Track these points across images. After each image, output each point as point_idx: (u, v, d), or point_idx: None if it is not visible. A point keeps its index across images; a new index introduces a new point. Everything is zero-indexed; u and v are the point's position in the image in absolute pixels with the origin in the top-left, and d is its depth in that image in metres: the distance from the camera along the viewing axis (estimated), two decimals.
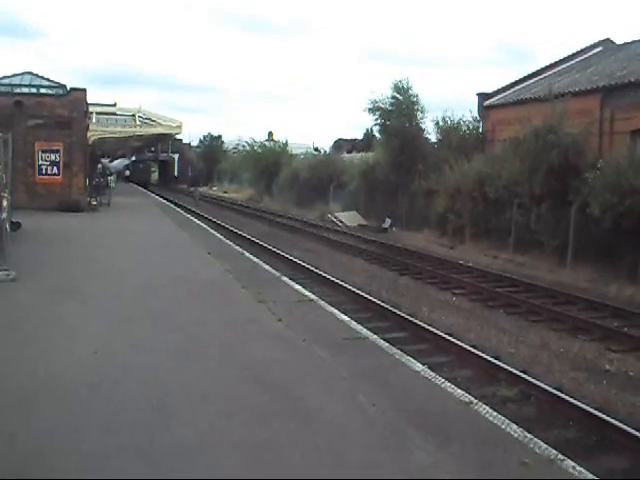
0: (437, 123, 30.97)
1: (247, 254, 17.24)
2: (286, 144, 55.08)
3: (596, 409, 7.94)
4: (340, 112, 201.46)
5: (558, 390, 8.64)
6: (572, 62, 29.37)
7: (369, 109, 32.08)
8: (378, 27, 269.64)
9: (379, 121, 32.61)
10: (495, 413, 6.11)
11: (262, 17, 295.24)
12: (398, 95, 31.53)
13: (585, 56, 29.45)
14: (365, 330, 9.24)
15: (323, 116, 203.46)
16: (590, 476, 4.94)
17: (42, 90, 32.91)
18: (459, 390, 6.76)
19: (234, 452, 5.02)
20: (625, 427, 7.34)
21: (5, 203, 13.05)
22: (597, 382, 9.50)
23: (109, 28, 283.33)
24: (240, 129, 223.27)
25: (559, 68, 29.34)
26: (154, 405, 5.91)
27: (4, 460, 4.76)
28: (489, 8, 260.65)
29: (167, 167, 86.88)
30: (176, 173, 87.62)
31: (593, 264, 17.70)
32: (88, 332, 8.36)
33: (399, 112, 31.33)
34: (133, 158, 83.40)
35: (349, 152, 53.21)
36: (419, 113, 31.69)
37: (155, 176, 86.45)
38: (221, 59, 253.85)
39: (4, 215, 12.92)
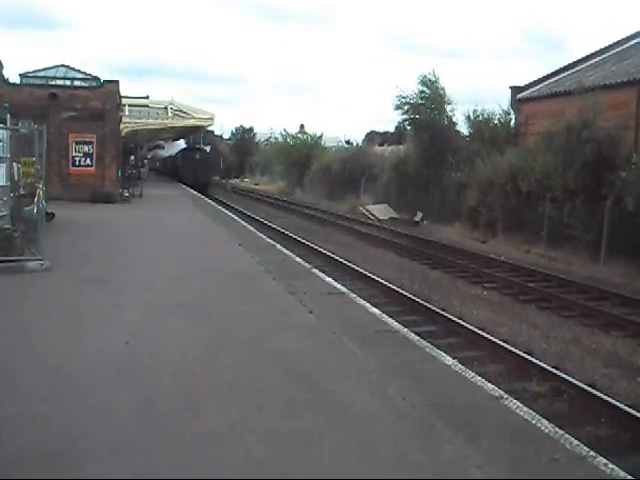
0: (468, 116, 30.75)
1: (278, 246, 17.27)
2: (321, 137, 54.93)
3: (629, 406, 7.85)
4: (372, 105, 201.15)
5: (590, 386, 8.55)
6: (608, 54, 28.86)
7: (396, 105, 31.94)
8: (406, 17, 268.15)
9: (408, 116, 32.41)
10: (526, 408, 6.05)
11: (287, 7, 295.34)
12: (425, 88, 31.31)
13: (621, 48, 28.88)
14: (396, 323, 9.21)
15: (355, 109, 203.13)
16: (622, 474, 4.87)
17: (76, 82, 33.36)
18: (489, 385, 6.71)
19: (264, 442, 5.05)
20: None
21: (40, 194, 13.23)
22: (630, 379, 9.37)
23: (136, 20, 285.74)
24: (271, 121, 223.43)
25: (593, 60, 28.89)
26: (185, 395, 5.96)
27: (41, 445, 4.84)
28: None
29: None
30: None
31: (627, 259, 17.43)
32: (120, 322, 8.45)
33: (427, 105, 31.12)
34: (182, 145, 60.35)
35: (381, 145, 53.09)
36: (448, 106, 31.50)
37: None
38: (249, 50, 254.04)
39: (39, 206, 13.10)
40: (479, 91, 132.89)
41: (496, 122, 29.89)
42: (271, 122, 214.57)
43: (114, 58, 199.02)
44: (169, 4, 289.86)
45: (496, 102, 32.38)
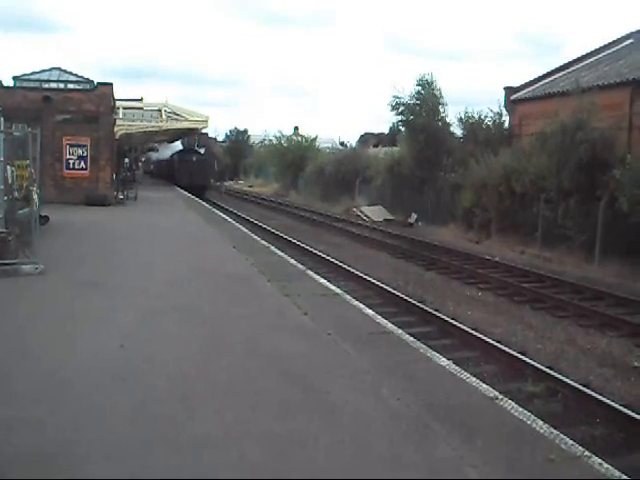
0: (460, 118, 30.70)
1: (272, 248, 17.27)
2: (315, 139, 54.88)
3: (624, 406, 7.86)
4: (367, 106, 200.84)
5: (585, 386, 8.57)
6: (601, 55, 28.92)
7: (392, 106, 31.87)
8: (403, 20, 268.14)
9: (403, 117, 32.32)
10: (521, 409, 6.06)
11: (284, 10, 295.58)
12: (422, 90, 31.27)
13: (615, 48, 28.95)
14: (390, 325, 9.22)
15: (350, 110, 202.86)
16: (617, 473, 4.88)
17: (70, 85, 33.21)
18: (484, 385, 6.72)
19: (259, 444, 5.04)
20: None
21: (34, 197, 13.20)
22: (625, 379, 9.40)
23: (135, 23, 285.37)
24: (265, 123, 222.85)
25: (588, 61, 28.93)
26: (180, 397, 5.95)
27: (37, 448, 4.83)
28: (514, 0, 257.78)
29: None
30: None
31: (621, 260, 17.47)
32: (114, 325, 8.44)
33: (423, 107, 31.09)
34: (177, 147, 56.72)
35: (375, 146, 52.98)
36: (441, 107, 31.42)
37: None
38: (244, 53, 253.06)
39: (33, 209, 13.07)
40: (478, 93, 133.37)
41: (488, 123, 29.88)
42: (269, 125, 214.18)
43: (112, 61, 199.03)
44: (168, 7, 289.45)
45: (494, 104, 32.11)
